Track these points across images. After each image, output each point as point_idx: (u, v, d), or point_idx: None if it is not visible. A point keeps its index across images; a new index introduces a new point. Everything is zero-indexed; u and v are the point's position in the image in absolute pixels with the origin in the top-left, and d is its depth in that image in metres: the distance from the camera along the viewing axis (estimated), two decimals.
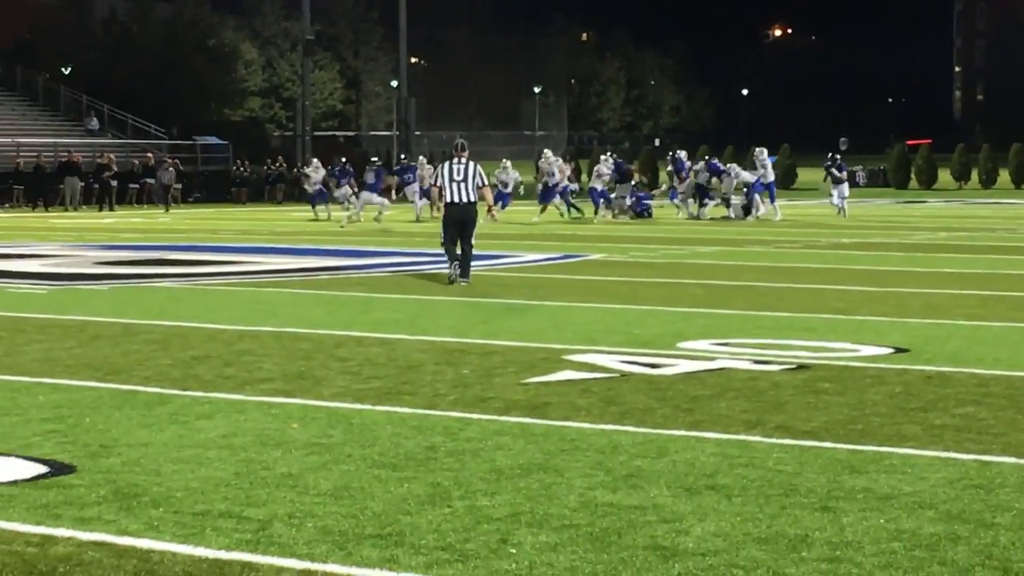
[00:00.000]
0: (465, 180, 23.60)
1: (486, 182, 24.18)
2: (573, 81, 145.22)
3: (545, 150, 52.39)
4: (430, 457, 9.94)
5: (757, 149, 50.51)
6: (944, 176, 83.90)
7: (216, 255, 30.34)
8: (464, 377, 13.52)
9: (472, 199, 23.67)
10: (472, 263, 23.57)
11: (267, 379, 13.43)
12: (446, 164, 24.22)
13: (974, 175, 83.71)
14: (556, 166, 47.76)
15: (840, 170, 50.02)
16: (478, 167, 23.99)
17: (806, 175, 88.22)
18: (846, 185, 50.37)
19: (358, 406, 11.96)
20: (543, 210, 46.93)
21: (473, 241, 23.84)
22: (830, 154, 52.56)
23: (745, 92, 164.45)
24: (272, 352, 15.28)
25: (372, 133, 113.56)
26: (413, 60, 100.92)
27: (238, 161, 73.12)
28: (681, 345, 15.70)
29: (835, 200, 49.47)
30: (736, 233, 38.81)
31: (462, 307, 20.15)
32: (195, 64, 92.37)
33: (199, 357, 14.86)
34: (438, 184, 24.25)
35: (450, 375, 13.65)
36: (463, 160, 23.90)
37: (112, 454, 10.02)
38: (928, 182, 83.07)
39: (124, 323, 18.02)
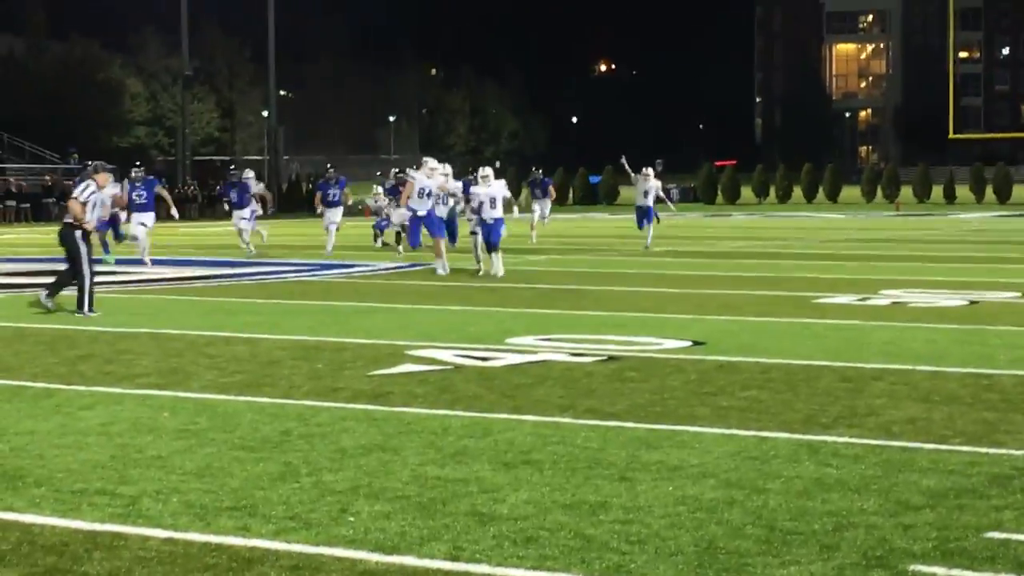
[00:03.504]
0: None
1: (75, 195, 19.57)
2: (424, 110, 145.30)
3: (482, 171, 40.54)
4: (284, 440, 10.02)
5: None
6: (747, 192, 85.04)
7: (101, 266, 30.03)
8: (317, 370, 13.59)
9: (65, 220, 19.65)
10: (329, 271, 23.28)
11: (143, 374, 13.41)
12: None
13: (772, 191, 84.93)
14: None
15: (543, 187, 43.56)
16: (80, 184, 20.06)
17: (627, 193, 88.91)
18: (548, 202, 43.26)
19: (222, 397, 12.00)
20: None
21: (84, 269, 19.29)
22: (533, 169, 47.39)
23: (574, 119, 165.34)
24: (149, 351, 15.24)
25: (246, 158, 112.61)
26: (282, 92, 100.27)
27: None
28: (509, 341, 15.85)
29: (537, 216, 41.66)
30: (561, 243, 39.06)
31: (318, 310, 20.17)
32: (87, 97, 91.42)
33: (83, 356, 14.79)
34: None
35: (305, 369, 13.70)
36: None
37: (1, 442, 10.00)
38: (733, 198, 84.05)
39: (16, 327, 17.86)
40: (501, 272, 25.97)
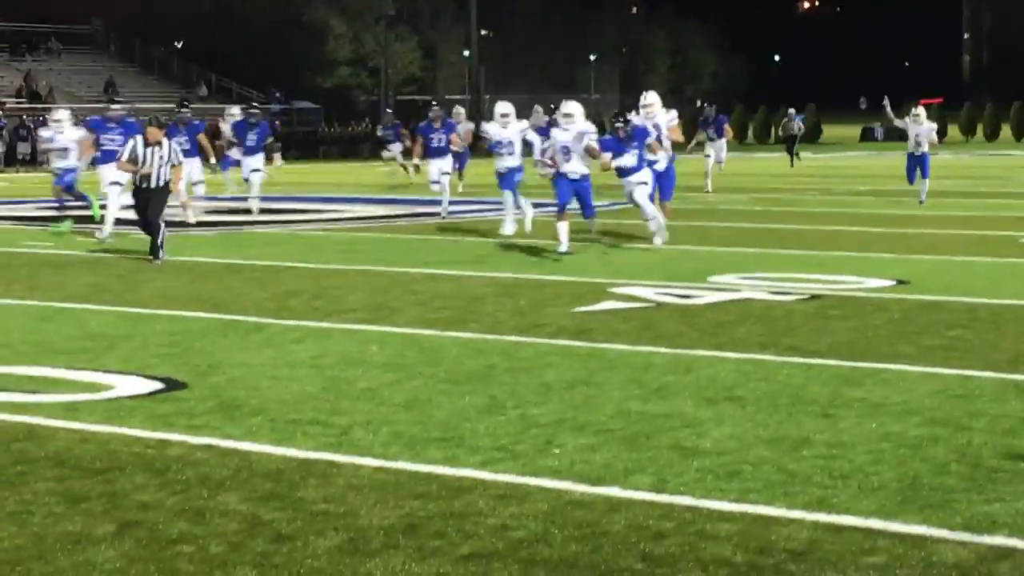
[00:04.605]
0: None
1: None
2: (624, 50, 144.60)
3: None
4: (489, 374, 10.20)
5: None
6: (953, 131, 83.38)
7: (307, 204, 30.60)
8: (520, 307, 13.77)
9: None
10: (535, 210, 22.67)
11: (351, 310, 13.71)
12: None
13: (980, 130, 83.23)
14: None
15: (718, 126, 35.30)
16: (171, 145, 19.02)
17: (830, 131, 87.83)
18: (724, 143, 35.17)
19: (428, 332, 12.23)
20: None
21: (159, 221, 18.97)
22: (704, 104, 36.52)
23: (777, 58, 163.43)
24: (356, 287, 15.56)
25: (448, 97, 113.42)
26: (483, 32, 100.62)
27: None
28: (710, 279, 15.88)
29: (712, 160, 34.94)
30: (765, 183, 38.73)
31: (520, 248, 20.32)
32: (291, 38, 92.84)
33: (292, 291, 15.15)
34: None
35: (509, 305, 13.89)
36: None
37: (217, 373, 10.33)
38: (939, 136, 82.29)
39: (228, 263, 18.34)
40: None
